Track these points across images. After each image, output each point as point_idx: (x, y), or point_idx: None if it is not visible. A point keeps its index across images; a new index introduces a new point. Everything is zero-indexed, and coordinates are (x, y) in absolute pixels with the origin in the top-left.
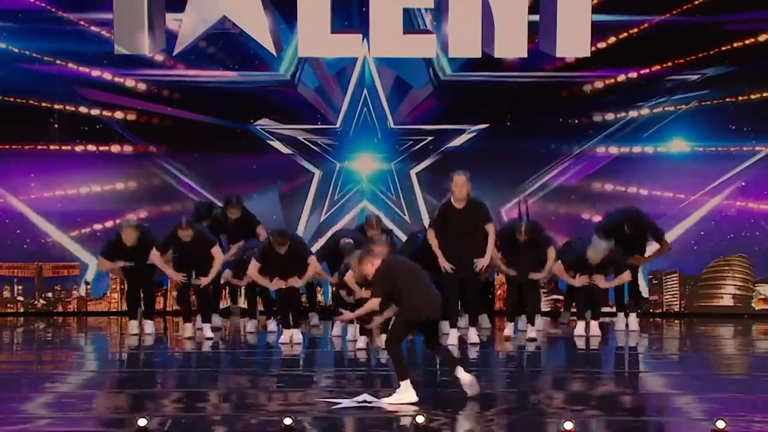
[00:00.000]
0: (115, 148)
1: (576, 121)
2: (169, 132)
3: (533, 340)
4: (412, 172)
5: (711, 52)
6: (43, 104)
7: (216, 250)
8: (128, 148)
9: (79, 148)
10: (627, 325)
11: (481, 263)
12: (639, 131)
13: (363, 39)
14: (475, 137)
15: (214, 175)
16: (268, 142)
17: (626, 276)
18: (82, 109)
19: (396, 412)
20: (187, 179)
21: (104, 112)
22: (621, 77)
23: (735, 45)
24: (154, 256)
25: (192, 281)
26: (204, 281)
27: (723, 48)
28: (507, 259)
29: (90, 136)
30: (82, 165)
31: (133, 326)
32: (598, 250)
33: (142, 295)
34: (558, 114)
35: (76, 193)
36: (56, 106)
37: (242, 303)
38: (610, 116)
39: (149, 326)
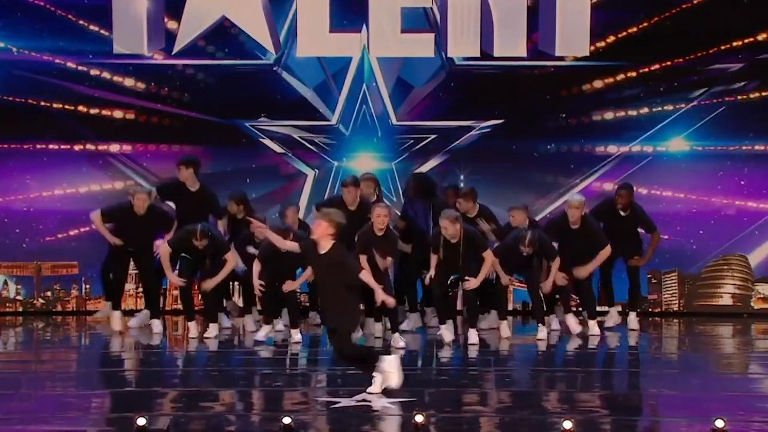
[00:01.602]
0: (114, 148)
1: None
2: (167, 131)
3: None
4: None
5: (710, 51)
6: (43, 104)
7: (229, 256)
8: (127, 147)
9: (78, 148)
10: (626, 324)
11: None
12: (639, 131)
13: (362, 36)
14: (482, 135)
15: (213, 175)
16: (264, 141)
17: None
18: (81, 109)
19: (395, 411)
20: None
21: (103, 111)
22: (620, 76)
23: (734, 44)
24: (164, 253)
25: (201, 284)
26: (209, 284)
27: (723, 47)
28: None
29: (89, 136)
30: (81, 165)
31: (115, 319)
32: (522, 237)
33: (144, 294)
34: (563, 113)
35: (75, 192)
36: (55, 106)
37: (238, 301)
38: (609, 115)
39: (157, 325)
